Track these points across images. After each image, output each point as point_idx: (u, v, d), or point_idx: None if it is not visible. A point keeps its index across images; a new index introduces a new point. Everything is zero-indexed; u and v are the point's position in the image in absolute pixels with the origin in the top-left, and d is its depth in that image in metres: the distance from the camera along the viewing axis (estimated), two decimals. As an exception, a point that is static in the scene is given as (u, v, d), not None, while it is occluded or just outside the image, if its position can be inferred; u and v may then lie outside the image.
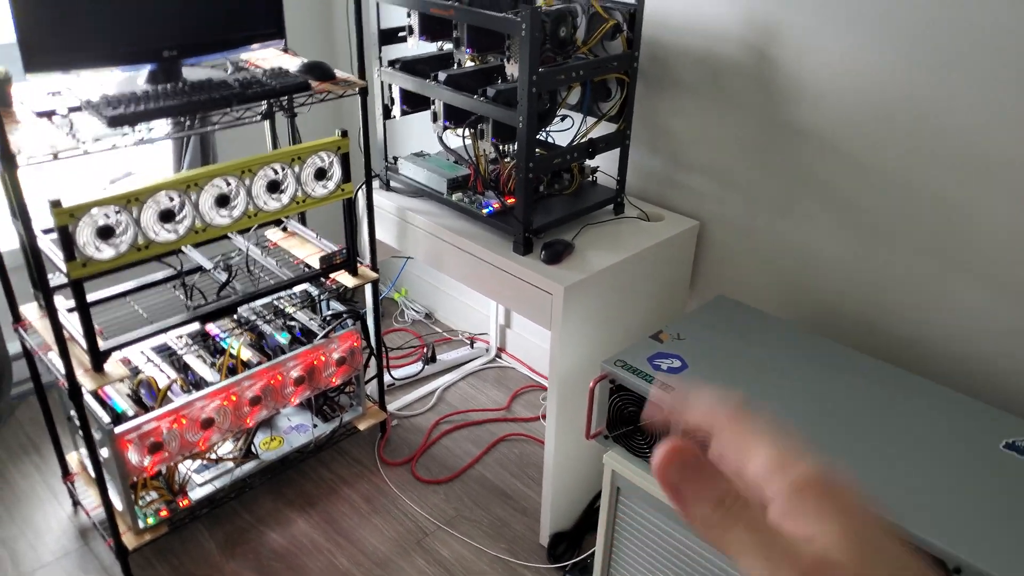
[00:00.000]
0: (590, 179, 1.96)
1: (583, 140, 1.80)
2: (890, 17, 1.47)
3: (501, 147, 1.81)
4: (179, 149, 2.41)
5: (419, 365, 2.68)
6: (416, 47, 1.82)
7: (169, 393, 1.82)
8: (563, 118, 1.86)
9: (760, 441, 0.32)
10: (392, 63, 1.86)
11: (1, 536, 1.97)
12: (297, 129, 2.06)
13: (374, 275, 2.07)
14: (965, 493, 1.17)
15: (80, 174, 2.31)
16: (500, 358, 2.77)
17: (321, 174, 1.80)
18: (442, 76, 1.74)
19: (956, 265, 1.53)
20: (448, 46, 1.89)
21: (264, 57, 1.97)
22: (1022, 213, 1.42)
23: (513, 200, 1.80)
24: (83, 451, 2.03)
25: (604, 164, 1.93)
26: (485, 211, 1.78)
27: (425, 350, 2.72)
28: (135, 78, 1.70)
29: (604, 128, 1.84)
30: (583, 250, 1.74)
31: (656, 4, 1.77)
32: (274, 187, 1.72)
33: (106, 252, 1.50)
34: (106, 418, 1.68)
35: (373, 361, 2.25)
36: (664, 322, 1.98)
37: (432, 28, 1.78)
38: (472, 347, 2.79)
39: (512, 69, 1.59)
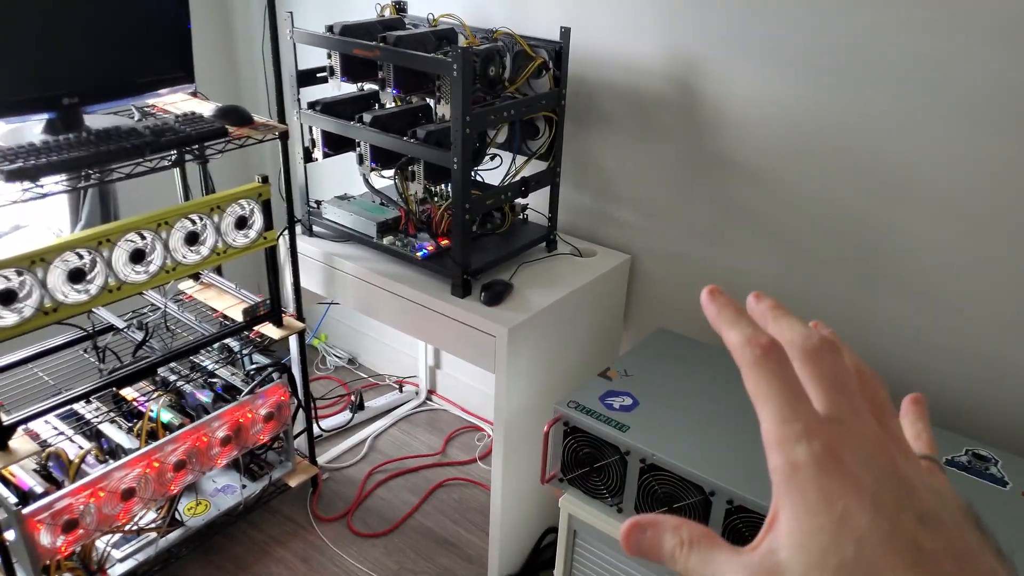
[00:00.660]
0: (521, 217, 1.95)
1: (515, 179, 1.78)
2: (805, 47, 1.53)
3: (433, 188, 1.77)
4: (76, 201, 2.25)
5: (347, 414, 2.58)
6: (338, 88, 1.77)
7: (84, 465, 1.67)
8: (492, 157, 1.85)
9: (768, 403, 0.30)
10: (312, 105, 1.80)
11: None
12: (210, 176, 1.96)
13: (300, 325, 1.98)
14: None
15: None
16: (431, 400, 2.71)
17: (242, 223, 1.72)
18: (367, 118, 1.69)
19: (879, 280, 1.59)
20: (369, 86, 1.85)
21: (171, 103, 1.87)
22: (939, 227, 1.49)
23: (447, 241, 1.76)
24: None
25: (534, 201, 1.92)
26: (419, 254, 1.73)
27: (352, 398, 2.62)
28: (29, 128, 1.57)
29: (534, 166, 1.83)
30: (521, 289, 1.72)
31: (579, 40, 1.78)
32: (192, 239, 1.62)
33: (8, 319, 1.36)
34: (12, 498, 1.53)
35: (301, 414, 2.15)
36: (603, 356, 1.98)
37: (354, 69, 1.73)
38: (401, 391, 2.72)
39: (443, 110, 1.56)
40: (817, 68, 1.53)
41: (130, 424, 1.85)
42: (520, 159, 1.82)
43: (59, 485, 1.64)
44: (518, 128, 1.77)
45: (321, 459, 2.33)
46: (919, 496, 0.28)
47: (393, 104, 1.77)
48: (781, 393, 0.30)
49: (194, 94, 1.86)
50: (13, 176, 1.36)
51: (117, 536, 1.80)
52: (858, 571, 0.26)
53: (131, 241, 1.50)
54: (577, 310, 1.78)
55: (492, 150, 1.82)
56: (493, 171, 1.88)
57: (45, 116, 1.56)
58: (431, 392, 2.72)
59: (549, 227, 1.89)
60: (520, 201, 1.89)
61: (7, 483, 1.63)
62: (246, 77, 2.66)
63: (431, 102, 1.77)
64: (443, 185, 1.81)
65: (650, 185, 1.86)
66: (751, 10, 1.57)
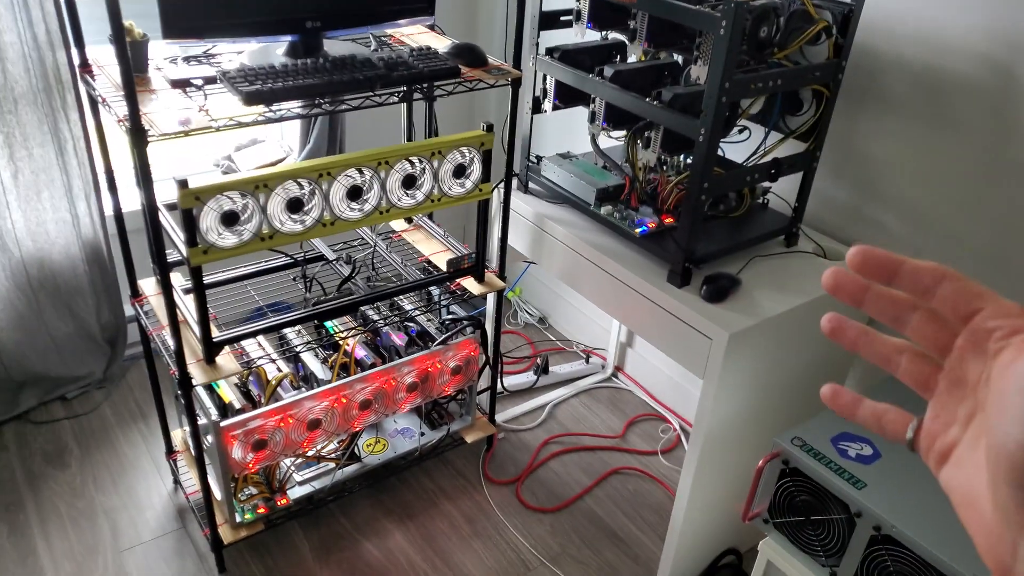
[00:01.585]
0: (761, 201, 1.71)
1: (764, 158, 1.55)
2: None
3: (666, 158, 1.58)
4: (306, 124, 2.30)
5: (531, 375, 2.50)
6: (581, 35, 1.61)
7: (279, 388, 1.70)
8: (741, 129, 1.61)
9: (992, 294, 0.33)
10: (549, 52, 1.65)
11: (105, 506, 1.92)
12: (435, 116, 1.89)
13: (501, 284, 1.89)
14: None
15: (202, 140, 2.23)
16: (617, 378, 2.56)
17: (460, 171, 1.63)
18: (608, 72, 1.52)
19: None
20: (614, 35, 1.67)
21: (409, 34, 1.80)
22: None
23: (672, 220, 1.58)
24: (188, 430, 1.95)
25: (778, 184, 1.67)
26: (638, 230, 1.56)
27: (538, 360, 2.53)
28: (272, 49, 1.56)
29: (789, 146, 1.58)
30: (750, 288, 1.50)
31: (872, 4, 1.49)
32: (410, 182, 1.55)
33: (229, 240, 1.37)
34: (213, 410, 1.58)
35: (486, 371, 2.08)
36: (834, 377, 1.71)
37: (603, 15, 1.56)
38: (587, 362, 2.58)
39: (698, 72, 1.35)
40: None
41: (327, 354, 1.86)
42: (774, 136, 1.58)
43: (255, 402, 1.68)
44: (779, 100, 1.52)
45: (499, 417, 2.27)
46: None
47: (637, 59, 1.58)
48: None
49: (431, 27, 1.78)
50: (251, 98, 1.34)
51: (300, 459, 1.84)
52: None
53: (350, 177, 1.46)
54: (813, 322, 1.53)
55: (743, 121, 1.59)
56: (738, 145, 1.65)
57: (288, 38, 1.54)
58: (618, 369, 2.57)
59: (793, 218, 1.64)
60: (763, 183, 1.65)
61: (212, 392, 1.69)
62: (484, 13, 2.57)
63: (679, 59, 1.57)
64: (680, 156, 1.61)
65: (929, 188, 1.55)
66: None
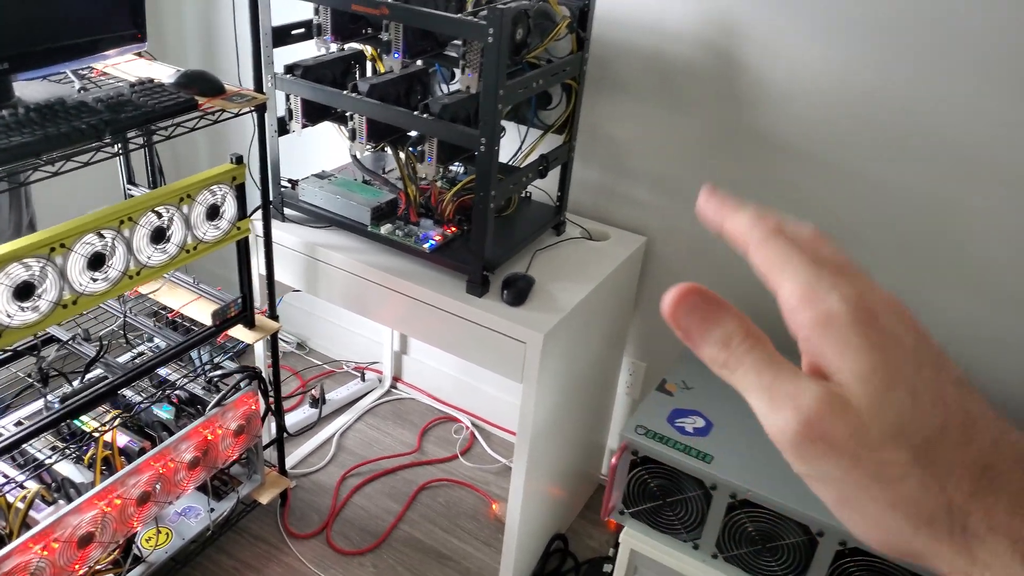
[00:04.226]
0: (523, 195, 1.74)
1: (530, 156, 1.57)
2: (868, 11, 1.38)
3: (440, 169, 1.54)
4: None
5: (308, 409, 2.33)
6: (325, 49, 1.49)
7: (31, 512, 1.38)
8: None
9: (789, 268, 0.29)
10: (289, 69, 1.51)
11: None
12: (158, 158, 1.64)
13: (275, 325, 1.72)
14: None
15: None
16: (396, 388, 2.49)
17: (214, 212, 1.43)
18: (363, 87, 1.43)
19: (935, 270, 1.49)
20: (352, 46, 1.58)
21: (116, 65, 1.52)
22: (1005, 213, 1.39)
23: (455, 230, 1.54)
24: None
25: (539, 178, 1.72)
26: (426, 245, 1.50)
27: (312, 392, 2.36)
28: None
29: (549, 141, 1.62)
30: (543, 283, 1.52)
31: (600, -1, 1.57)
32: (159, 236, 1.33)
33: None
34: (-55, 568, 1.23)
35: (268, 421, 1.89)
36: (616, 349, 1.82)
37: (344, 27, 1.46)
38: (364, 379, 2.48)
39: (467, 81, 1.32)
40: (873, 33, 1.38)
41: (78, 452, 1.55)
42: (534, 133, 1.61)
43: (2, 541, 1.35)
44: (534, 97, 1.55)
45: (286, 465, 2.09)
46: (951, 364, 0.28)
47: (389, 69, 1.51)
48: (801, 259, 0.29)
49: (140, 55, 1.53)
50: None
51: (69, 584, 1.52)
52: (920, 406, 0.26)
53: (89, 244, 1.20)
54: (602, 303, 1.60)
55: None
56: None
57: (-41, 83, 1.22)
58: (397, 379, 2.50)
59: (558, 208, 1.69)
60: (528, 180, 1.68)
61: (-68, 541, 1.32)
62: (199, 35, 2.28)
63: (423, 65, 1.52)
64: (452, 166, 1.57)
65: (671, 161, 1.70)
66: (805, -30, 1.41)
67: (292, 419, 2.28)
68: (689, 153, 1.67)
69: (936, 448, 0.26)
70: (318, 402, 2.33)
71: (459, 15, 1.25)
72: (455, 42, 1.45)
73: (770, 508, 1.10)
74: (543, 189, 1.75)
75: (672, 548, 1.22)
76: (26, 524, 1.37)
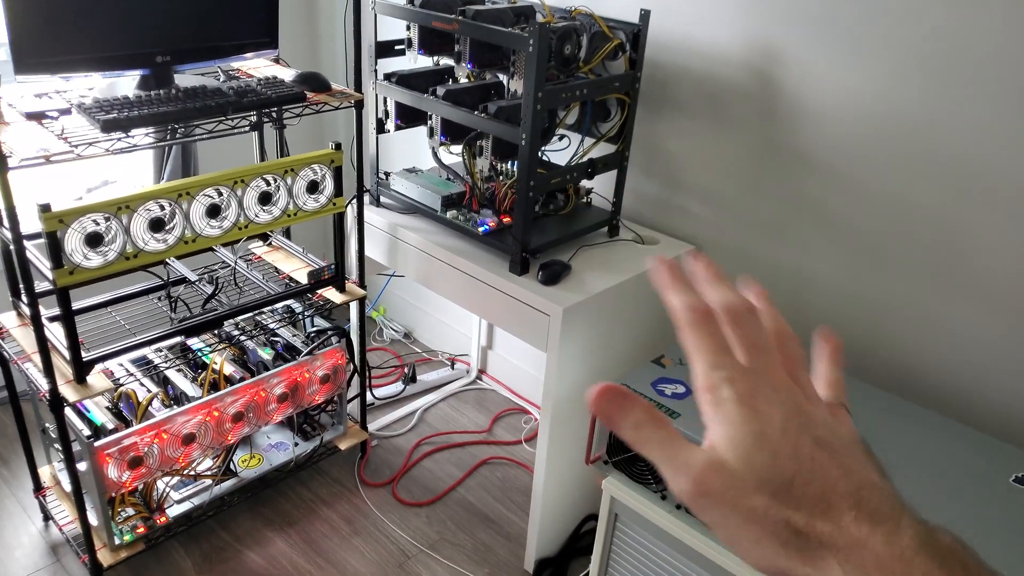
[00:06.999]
0: (584, 200, 1.95)
1: (582, 160, 1.79)
2: (892, 37, 1.49)
3: (499, 165, 1.80)
4: (160, 158, 2.36)
5: (399, 385, 2.64)
6: (414, 61, 1.81)
7: (150, 408, 1.75)
8: (560, 137, 1.86)
9: (699, 357, 0.37)
10: (388, 76, 1.84)
11: (-39, 556, 1.88)
12: (286, 141, 2.02)
13: (362, 292, 2.03)
14: (976, 529, 1.14)
15: (52, 182, 2.23)
16: (481, 380, 2.74)
17: (313, 187, 1.77)
18: (440, 91, 1.72)
19: (956, 290, 1.54)
20: (445, 61, 1.88)
21: (255, 67, 1.93)
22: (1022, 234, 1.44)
23: (509, 219, 1.78)
24: (57, 464, 1.95)
25: (599, 186, 1.93)
26: (481, 229, 1.76)
27: (405, 370, 2.67)
28: (122, 83, 1.65)
29: (602, 149, 1.84)
30: (580, 272, 1.73)
31: (657, 24, 1.78)
32: (265, 199, 1.68)
33: (94, 260, 1.44)
34: (86, 431, 1.61)
35: (355, 380, 2.21)
36: (656, 345, 1.97)
37: (431, 42, 1.76)
38: (452, 368, 2.76)
39: (516, 85, 1.58)
40: (903, 59, 1.49)
41: (195, 374, 1.93)
42: (588, 141, 1.83)
43: (128, 424, 1.73)
44: (589, 109, 1.78)
45: (371, 426, 2.39)
46: (816, 427, 0.36)
47: (467, 79, 1.80)
48: (711, 349, 0.38)
49: (276, 60, 1.92)
50: (109, 125, 1.43)
51: (176, 479, 1.89)
52: (778, 463, 0.35)
53: (208, 196, 1.57)
54: (635, 297, 1.78)
55: (561, 131, 1.83)
56: (561, 152, 1.89)
57: (139, 72, 1.64)
58: (481, 372, 2.75)
59: (612, 212, 1.89)
60: (585, 184, 1.90)
61: (83, 417, 1.72)
62: (326, 46, 2.73)
63: (504, 79, 1.79)
64: (509, 163, 1.83)
65: (719, 176, 1.85)
66: None
67: (385, 391, 2.59)
68: (733, 168, 1.82)
69: (788, 490, 0.34)
70: (409, 379, 2.63)
71: (507, 29, 1.51)
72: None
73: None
74: (604, 197, 1.96)
75: (645, 498, 1.37)
76: (147, 417, 1.74)
